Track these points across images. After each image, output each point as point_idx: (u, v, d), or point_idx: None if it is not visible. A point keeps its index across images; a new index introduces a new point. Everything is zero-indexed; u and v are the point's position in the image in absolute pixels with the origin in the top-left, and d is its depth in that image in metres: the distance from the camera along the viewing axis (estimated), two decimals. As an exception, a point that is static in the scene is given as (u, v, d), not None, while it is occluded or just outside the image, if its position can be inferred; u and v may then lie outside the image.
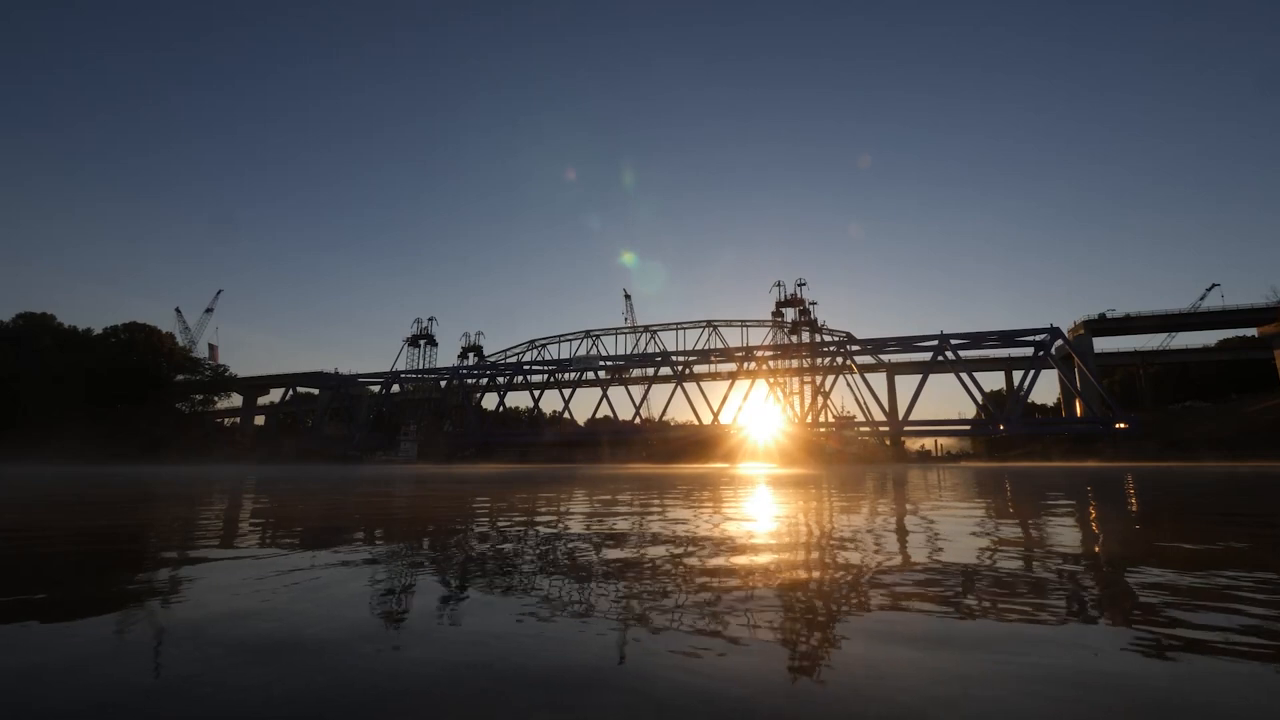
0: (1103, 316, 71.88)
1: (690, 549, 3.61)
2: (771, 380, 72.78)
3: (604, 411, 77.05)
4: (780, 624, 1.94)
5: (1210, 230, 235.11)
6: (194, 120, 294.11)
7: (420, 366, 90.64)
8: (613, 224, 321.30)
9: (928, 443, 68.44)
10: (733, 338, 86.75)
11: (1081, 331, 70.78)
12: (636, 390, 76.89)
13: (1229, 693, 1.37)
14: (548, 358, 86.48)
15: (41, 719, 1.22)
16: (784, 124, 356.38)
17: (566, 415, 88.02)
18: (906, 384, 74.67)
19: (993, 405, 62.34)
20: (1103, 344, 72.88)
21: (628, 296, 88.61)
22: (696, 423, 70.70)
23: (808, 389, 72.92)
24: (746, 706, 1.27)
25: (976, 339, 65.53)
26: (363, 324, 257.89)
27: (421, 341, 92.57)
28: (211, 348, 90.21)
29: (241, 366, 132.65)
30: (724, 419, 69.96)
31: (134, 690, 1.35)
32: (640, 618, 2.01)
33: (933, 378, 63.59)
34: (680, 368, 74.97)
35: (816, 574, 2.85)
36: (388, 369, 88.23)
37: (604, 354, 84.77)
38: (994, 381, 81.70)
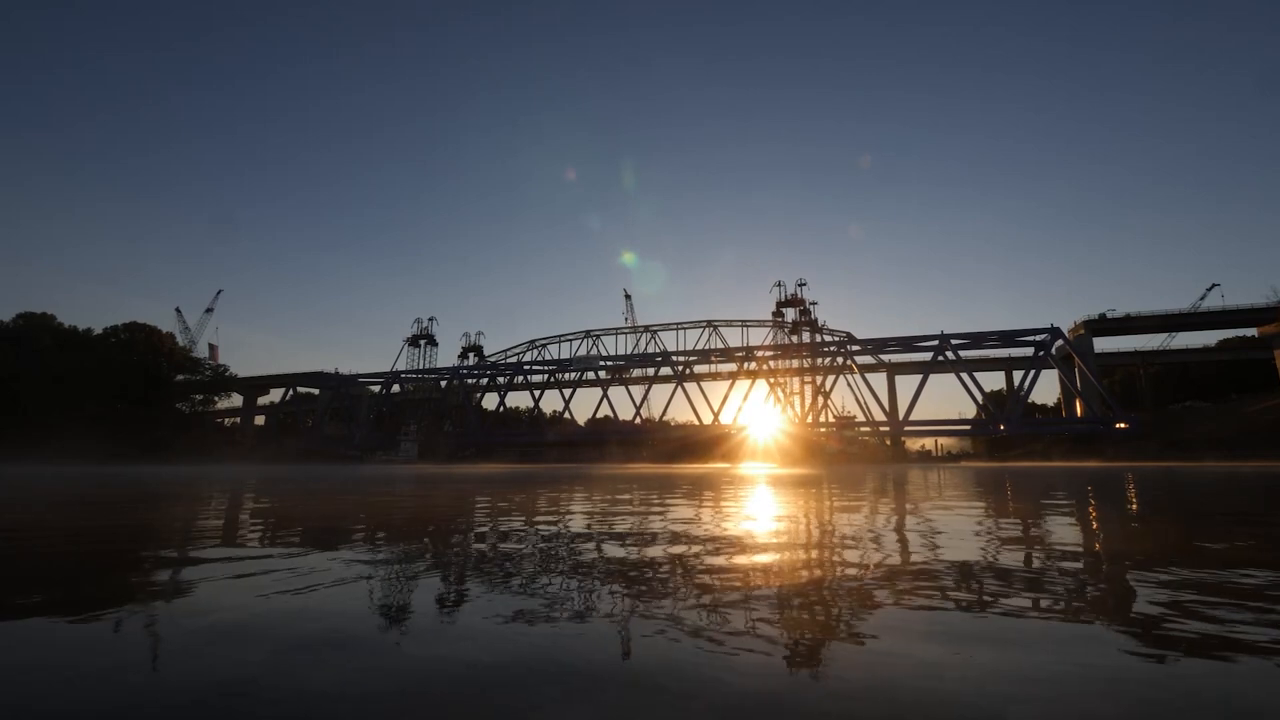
0: (1103, 316, 71.98)
1: (702, 547, 3.68)
2: (772, 380, 72.89)
3: (604, 411, 77.32)
4: (806, 621, 2.01)
5: (1210, 230, 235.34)
6: (194, 120, 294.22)
7: (420, 366, 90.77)
8: (613, 224, 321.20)
9: (928, 443, 68.62)
10: (733, 338, 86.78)
11: (1082, 331, 70.85)
12: (637, 390, 77.08)
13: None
14: (548, 358, 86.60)
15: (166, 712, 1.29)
16: (784, 124, 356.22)
17: (567, 415, 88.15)
18: (907, 384, 74.88)
19: (993, 405, 62.49)
20: (1103, 344, 72.98)
21: (628, 296, 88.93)
22: (697, 423, 70.83)
23: (808, 389, 73.08)
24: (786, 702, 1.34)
25: (977, 339, 65.68)
26: (363, 324, 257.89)
27: (422, 341, 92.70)
28: (212, 348, 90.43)
29: (242, 366, 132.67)
30: (724, 419, 70.21)
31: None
32: (673, 618, 2.08)
33: (933, 378, 63.82)
34: (680, 368, 75.08)
35: (853, 570, 2.92)
36: (388, 369, 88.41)
37: (604, 354, 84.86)
38: (994, 381, 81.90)
